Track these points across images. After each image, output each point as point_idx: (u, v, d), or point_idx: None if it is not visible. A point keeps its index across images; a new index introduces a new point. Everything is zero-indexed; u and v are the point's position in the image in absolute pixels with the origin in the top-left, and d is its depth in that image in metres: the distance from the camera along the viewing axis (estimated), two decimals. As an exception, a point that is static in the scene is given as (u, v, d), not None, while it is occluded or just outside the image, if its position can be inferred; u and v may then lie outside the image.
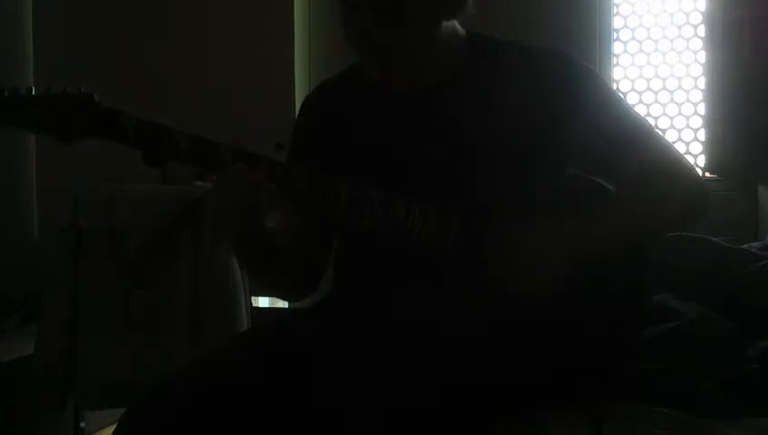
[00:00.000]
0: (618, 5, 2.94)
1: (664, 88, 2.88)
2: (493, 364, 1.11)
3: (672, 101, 2.87)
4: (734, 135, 2.62)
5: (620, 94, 1.45)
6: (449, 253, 1.19)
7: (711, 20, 2.70)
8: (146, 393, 1.14)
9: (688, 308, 1.58)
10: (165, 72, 3.08)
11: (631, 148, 1.25)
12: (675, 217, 1.27)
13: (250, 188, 1.18)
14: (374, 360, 1.08)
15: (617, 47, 2.94)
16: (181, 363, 1.20)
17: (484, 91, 1.28)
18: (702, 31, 2.80)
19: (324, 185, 1.21)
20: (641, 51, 2.92)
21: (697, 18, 2.83)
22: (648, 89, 2.90)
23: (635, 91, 2.92)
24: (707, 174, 2.70)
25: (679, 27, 2.87)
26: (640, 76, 2.92)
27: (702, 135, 2.81)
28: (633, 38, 2.93)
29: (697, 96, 2.83)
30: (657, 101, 2.89)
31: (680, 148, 2.44)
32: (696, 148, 2.84)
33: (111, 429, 1.16)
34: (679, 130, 2.87)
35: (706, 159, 2.74)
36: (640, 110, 2.82)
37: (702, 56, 2.80)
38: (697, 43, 2.83)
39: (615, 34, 2.94)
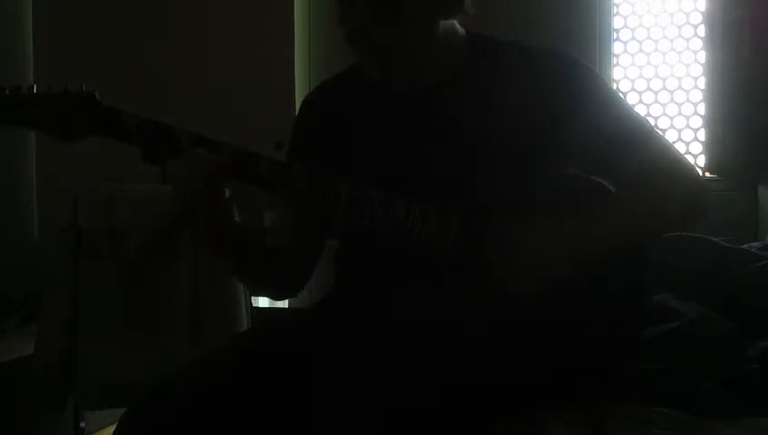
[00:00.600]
0: (618, 5, 2.94)
1: (664, 88, 2.89)
2: (493, 364, 1.11)
3: (672, 101, 2.88)
4: (734, 135, 2.62)
5: (620, 94, 1.44)
6: (449, 253, 1.19)
7: (711, 20, 2.70)
8: (146, 393, 1.14)
9: (688, 308, 1.58)
10: (165, 72, 3.09)
11: (631, 148, 1.25)
12: (675, 216, 1.27)
13: (205, 179, 1.16)
14: (374, 360, 1.08)
15: (617, 47, 2.94)
16: (181, 363, 1.20)
17: (484, 91, 1.28)
18: (702, 31, 2.81)
19: (324, 185, 1.20)
20: (641, 51, 2.92)
21: (697, 18, 2.83)
22: (648, 89, 2.91)
23: (635, 91, 2.92)
24: (707, 174, 2.70)
25: (679, 27, 2.87)
26: (640, 76, 2.92)
27: (702, 135, 2.81)
28: (633, 38, 2.93)
29: (697, 96, 2.83)
30: (657, 101, 2.89)
31: (680, 148, 2.44)
32: (696, 148, 2.84)
33: (111, 429, 1.16)
34: (679, 130, 2.87)
35: (706, 159, 2.75)
36: (640, 110, 2.82)
37: (702, 56, 2.81)
38: (697, 43, 2.83)
39: (615, 34, 2.94)
